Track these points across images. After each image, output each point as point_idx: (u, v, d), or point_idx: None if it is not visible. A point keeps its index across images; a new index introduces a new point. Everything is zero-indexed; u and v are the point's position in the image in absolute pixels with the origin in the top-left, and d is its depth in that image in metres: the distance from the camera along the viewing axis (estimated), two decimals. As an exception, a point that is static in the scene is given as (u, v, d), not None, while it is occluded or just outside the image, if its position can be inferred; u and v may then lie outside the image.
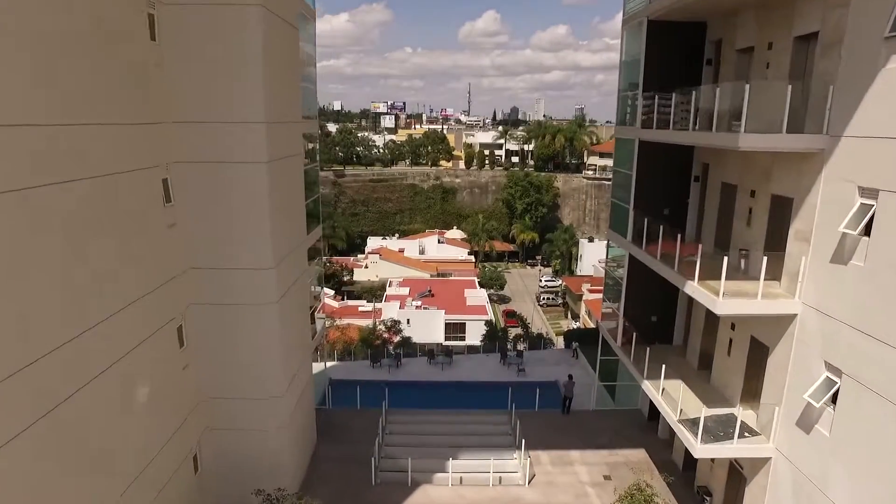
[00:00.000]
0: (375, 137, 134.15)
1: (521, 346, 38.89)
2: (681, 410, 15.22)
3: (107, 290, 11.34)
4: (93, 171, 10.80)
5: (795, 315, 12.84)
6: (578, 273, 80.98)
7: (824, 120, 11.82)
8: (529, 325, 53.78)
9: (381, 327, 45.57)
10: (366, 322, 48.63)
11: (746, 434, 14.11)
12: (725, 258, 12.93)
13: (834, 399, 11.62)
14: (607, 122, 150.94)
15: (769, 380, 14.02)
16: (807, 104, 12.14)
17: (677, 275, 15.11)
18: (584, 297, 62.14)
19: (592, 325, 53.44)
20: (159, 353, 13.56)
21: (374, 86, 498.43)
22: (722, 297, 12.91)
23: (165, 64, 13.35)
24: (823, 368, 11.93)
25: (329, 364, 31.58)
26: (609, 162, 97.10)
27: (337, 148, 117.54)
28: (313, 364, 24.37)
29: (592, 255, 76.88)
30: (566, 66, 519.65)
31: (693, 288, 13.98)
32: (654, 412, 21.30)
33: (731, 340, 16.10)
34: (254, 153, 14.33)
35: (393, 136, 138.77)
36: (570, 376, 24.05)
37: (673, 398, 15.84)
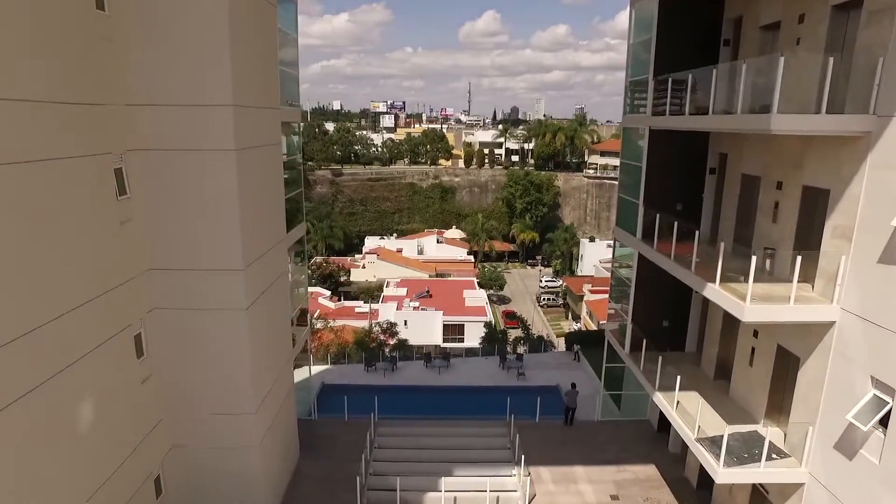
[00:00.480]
0: (374, 136, 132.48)
1: (521, 349, 37.31)
2: (699, 427, 13.64)
3: (41, 293, 9.76)
4: (19, 155, 9.22)
5: (833, 323, 11.25)
6: (579, 273, 79.67)
7: (871, 98, 10.23)
8: (530, 327, 52.36)
9: (377, 329, 43.99)
10: (362, 324, 47.08)
11: (774, 456, 12.51)
12: (753, 258, 11.32)
13: (884, 421, 10.03)
14: (608, 121, 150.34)
15: (800, 395, 12.42)
16: (847, 81, 10.57)
17: (695, 276, 13.53)
18: (585, 298, 60.67)
19: (594, 327, 51.97)
20: (111, 365, 11.96)
21: (375, 86, 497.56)
22: (749, 303, 11.33)
23: (116, 38, 11.76)
24: (870, 385, 10.33)
25: (323, 368, 30.09)
26: (610, 161, 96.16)
27: (335, 146, 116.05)
28: (301, 369, 22.85)
29: (593, 255, 75.88)
30: (566, 65, 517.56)
31: (715, 292, 12.38)
32: (664, 423, 19.71)
33: (753, 349, 14.50)
34: (220, 140, 12.73)
35: (392, 135, 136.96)
36: (574, 385, 22.47)
37: (689, 413, 14.26)
